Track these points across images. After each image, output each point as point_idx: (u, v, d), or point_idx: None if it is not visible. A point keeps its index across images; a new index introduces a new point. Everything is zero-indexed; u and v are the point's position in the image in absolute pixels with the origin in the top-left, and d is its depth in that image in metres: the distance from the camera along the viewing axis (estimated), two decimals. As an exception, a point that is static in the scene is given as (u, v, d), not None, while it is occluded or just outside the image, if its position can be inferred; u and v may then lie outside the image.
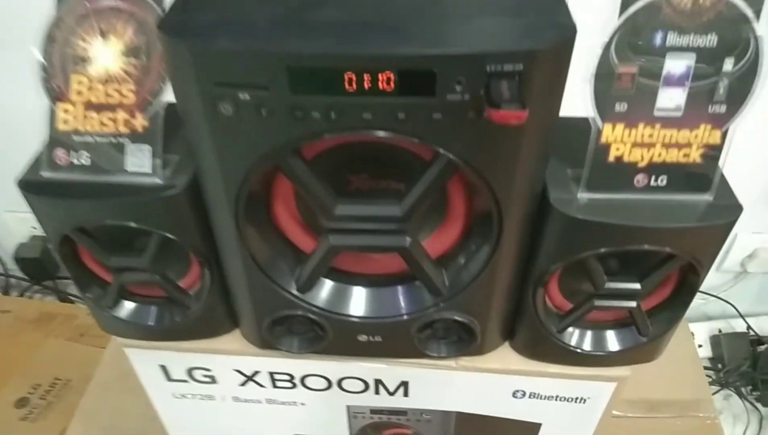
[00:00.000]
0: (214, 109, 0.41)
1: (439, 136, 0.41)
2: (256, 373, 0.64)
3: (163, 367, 0.65)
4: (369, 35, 0.38)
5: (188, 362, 0.64)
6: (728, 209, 0.47)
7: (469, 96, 0.39)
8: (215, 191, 0.47)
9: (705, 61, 0.42)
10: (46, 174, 0.50)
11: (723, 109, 0.44)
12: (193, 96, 0.41)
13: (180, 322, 0.60)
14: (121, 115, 0.50)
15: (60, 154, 0.50)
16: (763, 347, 1.33)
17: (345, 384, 0.64)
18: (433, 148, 0.42)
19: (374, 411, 0.68)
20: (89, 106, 0.50)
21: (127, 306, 0.60)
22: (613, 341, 0.58)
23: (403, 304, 0.56)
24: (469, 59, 0.37)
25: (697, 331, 1.37)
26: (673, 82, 0.43)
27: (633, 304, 0.53)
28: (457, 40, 0.38)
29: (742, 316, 1.35)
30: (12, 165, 1.27)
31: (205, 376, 0.65)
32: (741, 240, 1.23)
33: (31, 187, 0.50)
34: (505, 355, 0.61)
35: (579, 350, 0.57)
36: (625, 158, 0.46)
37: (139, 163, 0.50)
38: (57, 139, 0.50)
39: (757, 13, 0.40)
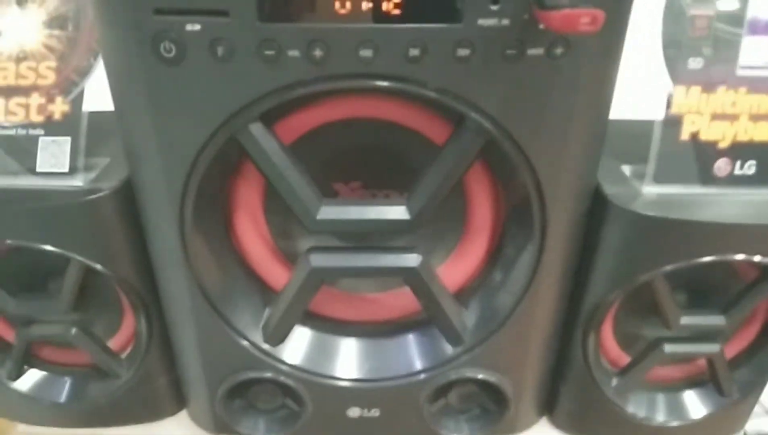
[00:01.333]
0: (153, 54, 0.29)
1: (466, 85, 0.30)
2: (209, 472, 0.47)
3: (82, 468, 0.48)
4: (369, -65, 0.28)
5: (116, 459, 0.47)
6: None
7: (509, 20, 0.28)
8: (153, 189, 0.34)
9: (800, 2, 0.33)
10: (-69, 180, 0.37)
11: (825, 66, 0.34)
12: (124, 35, 0.29)
13: (106, 399, 0.44)
14: (36, 99, 0.38)
15: (-51, 152, 0.38)
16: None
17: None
18: (455, 109, 0.31)
19: None
20: (-6, 90, 0.38)
21: (32, 376, 0.45)
22: (690, 405, 0.43)
23: (410, 359, 0.41)
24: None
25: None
26: (760, 28, 0.33)
27: (715, 347, 0.40)
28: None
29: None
30: None
31: (140, 480, 0.48)
32: None
33: None
34: (543, 433, 0.46)
35: (643, 419, 0.43)
36: (703, 136, 0.35)
37: (54, 160, 0.37)
38: (-52, 134, 0.38)
39: None
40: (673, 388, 0.44)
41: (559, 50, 0.29)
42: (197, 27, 0.29)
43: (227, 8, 0.28)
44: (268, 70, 0.29)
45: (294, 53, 0.29)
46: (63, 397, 0.44)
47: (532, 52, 0.29)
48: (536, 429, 0.46)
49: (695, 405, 0.43)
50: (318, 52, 0.29)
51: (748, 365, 0.43)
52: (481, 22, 0.28)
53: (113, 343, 0.44)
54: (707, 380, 0.43)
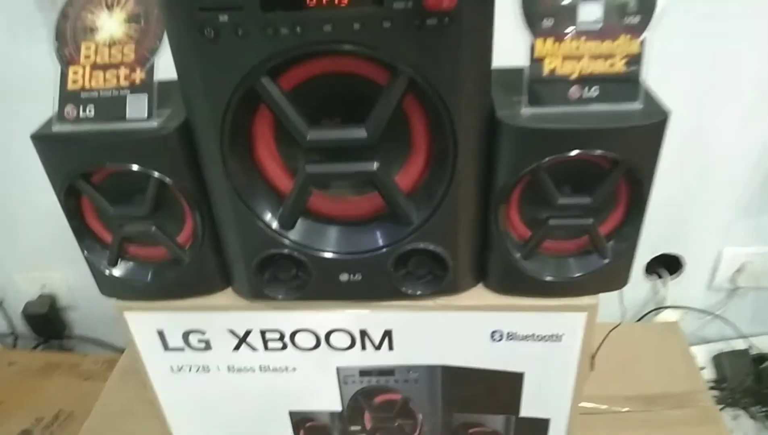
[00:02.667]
0: (200, 35, 0.48)
1: (391, 45, 0.48)
2: (249, 332, 0.68)
3: (161, 334, 0.68)
4: (324, -44, 0.46)
5: (184, 324, 0.68)
6: (657, 113, 0.53)
7: (413, 2, 0.46)
8: (203, 123, 0.54)
9: (614, -22, 0.50)
10: (57, 128, 0.57)
11: (637, 19, 0.51)
12: (183, 25, 0.48)
13: (175, 278, 0.64)
14: (123, 71, 0.57)
15: (69, 109, 0.58)
16: (765, 364, 1.32)
17: (333, 340, 0.67)
18: (387, 61, 0.49)
19: (363, 372, 0.70)
20: (95, 66, 0.58)
21: (125, 265, 0.65)
22: (576, 267, 0.61)
23: (378, 237, 0.60)
24: (408, -32, 0.45)
25: (698, 354, 1.37)
26: (589, -3, 0.50)
27: (588, 221, 0.58)
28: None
29: (741, 335, 1.36)
30: (21, 231, 1.36)
31: (201, 341, 0.69)
32: (727, 255, 1.27)
33: (43, 138, 0.57)
34: (479, 294, 0.64)
35: (545, 278, 0.61)
36: (558, 71, 0.53)
37: (137, 110, 0.57)
38: (67, 98, 0.58)
39: (648, -70, 0.48)
40: (568, 255, 0.62)
41: (446, 20, 0.47)
42: (226, 17, 0.47)
43: (242, 5, 0.47)
44: (270, 41, 0.48)
45: (284, 30, 0.48)
46: (147, 278, 0.65)
47: (429, 21, 0.47)
48: (474, 291, 0.65)
49: (581, 266, 0.62)
50: (298, 29, 0.48)
51: (618, 237, 0.60)
52: (395, 5, 0.46)
53: (179, 239, 0.64)
54: (591, 250, 0.61)
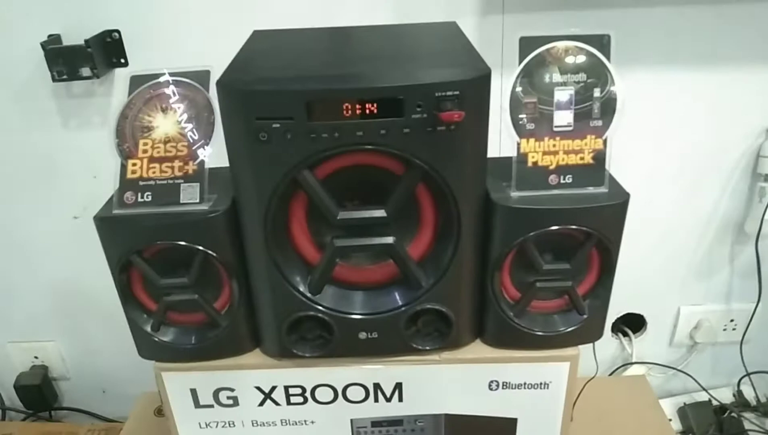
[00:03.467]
0: (255, 137, 0.59)
1: (409, 146, 0.60)
2: (274, 389, 0.76)
3: (193, 391, 0.76)
4: (359, 78, 0.59)
5: (215, 382, 0.76)
6: (619, 195, 0.66)
7: (427, 114, 0.59)
8: (250, 206, 0.64)
9: (582, 91, 0.64)
10: (117, 211, 0.67)
11: (600, 123, 0.65)
12: (241, 129, 0.60)
13: (211, 339, 0.73)
14: (177, 163, 0.68)
15: (128, 195, 0.68)
16: (726, 414, 1.43)
17: (349, 393, 0.76)
18: (405, 157, 0.61)
19: (375, 423, 0.79)
20: (152, 159, 0.68)
21: (167, 331, 0.74)
22: (560, 322, 0.73)
23: (393, 300, 0.71)
24: (425, 88, 0.58)
25: (664, 406, 1.48)
26: (562, 106, 0.64)
27: (568, 283, 0.70)
28: (416, 78, 0.58)
29: (703, 388, 1.47)
30: (16, 302, 1.42)
31: (229, 398, 0.77)
32: (684, 314, 1.40)
33: (104, 220, 0.66)
34: (477, 348, 0.75)
35: (534, 332, 0.72)
36: (539, 163, 0.65)
37: (190, 196, 0.67)
38: (126, 185, 0.68)
39: (607, 56, 0.63)
40: (551, 312, 0.74)
41: (453, 127, 0.59)
42: (278, 125, 0.59)
43: (292, 115, 0.59)
44: (312, 143, 0.60)
45: (325, 135, 0.59)
46: (186, 342, 0.73)
47: (440, 128, 0.59)
48: (473, 346, 0.75)
49: (563, 321, 0.73)
50: (337, 134, 0.59)
51: (593, 296, 0.72)
52: (414, 116, 0.59)
53: (216, 304, 0.73)
54: (571, 308, 0.73)
